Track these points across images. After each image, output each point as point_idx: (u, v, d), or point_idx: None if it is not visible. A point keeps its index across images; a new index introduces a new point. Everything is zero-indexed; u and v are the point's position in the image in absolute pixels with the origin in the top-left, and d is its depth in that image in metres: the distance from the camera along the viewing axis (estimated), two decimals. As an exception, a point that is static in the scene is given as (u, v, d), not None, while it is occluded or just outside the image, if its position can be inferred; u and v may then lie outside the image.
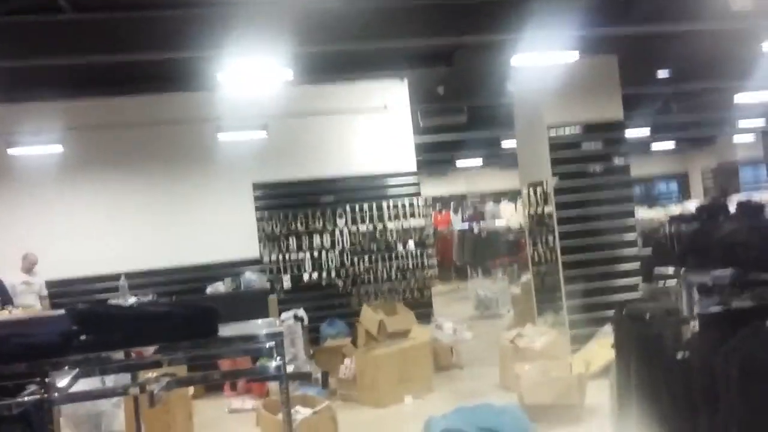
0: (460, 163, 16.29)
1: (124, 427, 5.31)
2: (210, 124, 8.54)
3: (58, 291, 8.60)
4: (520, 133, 8.29)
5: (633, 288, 7.05)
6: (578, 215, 7.32)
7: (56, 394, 2.50)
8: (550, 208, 7.45)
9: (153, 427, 4.69)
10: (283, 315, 8.46)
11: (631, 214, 7.57)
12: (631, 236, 7.45)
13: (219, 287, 8.27)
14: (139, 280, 8.70)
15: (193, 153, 9.46)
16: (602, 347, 6.80)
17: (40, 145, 8.16)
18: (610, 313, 5.90)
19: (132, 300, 8.09)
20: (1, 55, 5.99)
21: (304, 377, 3.85)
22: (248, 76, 6.19)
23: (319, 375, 3.80)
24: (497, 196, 18.00)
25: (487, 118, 10.62)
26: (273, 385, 6.98)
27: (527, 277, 9.06)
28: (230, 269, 9.05)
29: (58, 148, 8.35)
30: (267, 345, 2.80)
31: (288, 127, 9.50)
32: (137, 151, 9.32)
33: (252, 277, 8.29)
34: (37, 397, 2.47)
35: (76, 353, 2.55)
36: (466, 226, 14.15)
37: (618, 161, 7.41)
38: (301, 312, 8.51)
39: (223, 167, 9.47)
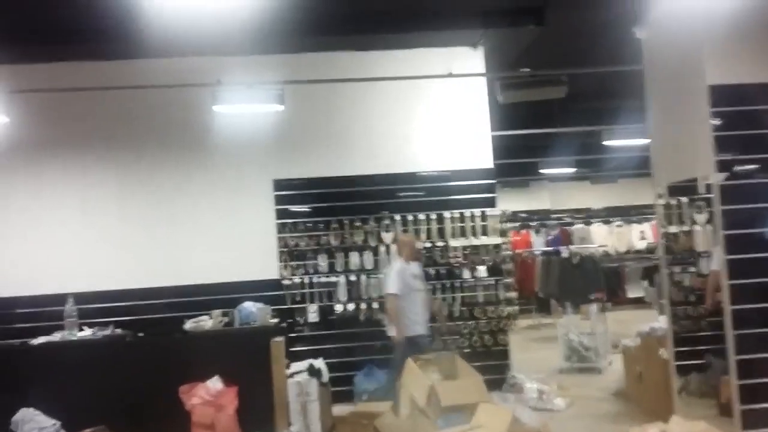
0: (545, 171, 13.51)
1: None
2: (205, 92, 6.14)
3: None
4: (656, 106, 5.43)
5: None
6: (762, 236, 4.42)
7: None
8: (711, 224, 4.63)
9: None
10: (294, 366, 5.93)
11: None
12: None
13: (205, 323, 5.79)
14: (99, 304, 6.37)
15: (185, 133, 7.12)
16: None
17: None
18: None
19: (84, 333, 5.79)
20: None
21: None
22: None
23: None
24: (587, 217, 15.08)
25: (594, 92, 7.88)
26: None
27: (656, 324, 6.15)
28: (238, 293, 6.59)
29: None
30: None
31: (315, 108, 7.06)
32: (110, 125, 7.08)
33: (251, 310, 5.78)
34: None
35: None
36: (549, 249, 11.56)
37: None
38: (318, 363, 5.96)
39: (226, 153, 7.14)
